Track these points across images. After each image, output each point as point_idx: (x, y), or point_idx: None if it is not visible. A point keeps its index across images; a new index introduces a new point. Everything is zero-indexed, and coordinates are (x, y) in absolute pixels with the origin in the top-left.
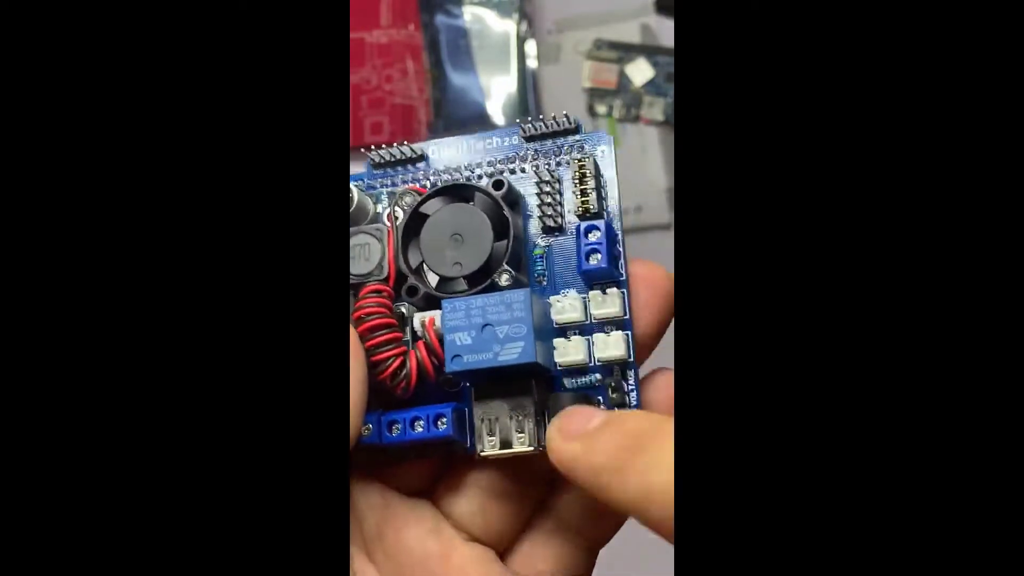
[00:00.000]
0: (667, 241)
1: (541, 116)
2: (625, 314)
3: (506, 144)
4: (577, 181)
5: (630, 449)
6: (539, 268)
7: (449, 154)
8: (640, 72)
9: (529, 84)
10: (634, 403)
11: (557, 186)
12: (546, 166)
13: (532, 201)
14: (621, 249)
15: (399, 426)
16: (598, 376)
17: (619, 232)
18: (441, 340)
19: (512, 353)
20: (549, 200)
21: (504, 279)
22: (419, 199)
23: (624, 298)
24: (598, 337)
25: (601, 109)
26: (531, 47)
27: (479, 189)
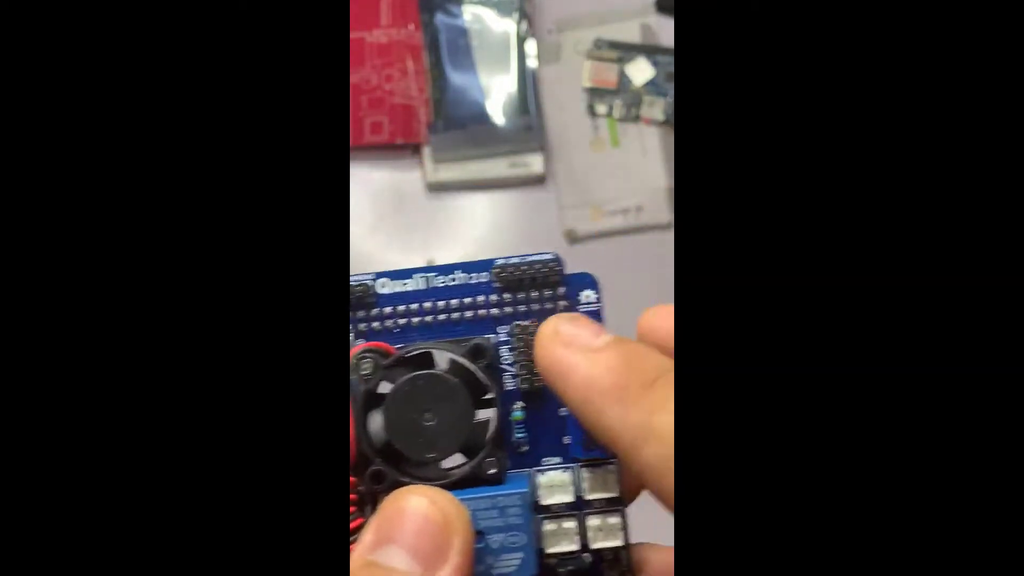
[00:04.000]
0: (667, 241)
1: (520, 257)
2: (620, 494)
3: (472, 282)
4: None
5: (641, 381)
6: (519, 434)
7: (403, 292)
8: (640, 72)
9: (529, 84)
10: None
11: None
12: (526, 325)
13: (505, 354)
14: None
15: None
16: (589, 557)
17: None
18: None
19: (509, 566)
20: (527, 361)
21: (490, 469)
22: (381, 363)
23: (618, 475)
24: (593, 523)
25: (601, 109)
26: (531, 47)
27: (456, 360)
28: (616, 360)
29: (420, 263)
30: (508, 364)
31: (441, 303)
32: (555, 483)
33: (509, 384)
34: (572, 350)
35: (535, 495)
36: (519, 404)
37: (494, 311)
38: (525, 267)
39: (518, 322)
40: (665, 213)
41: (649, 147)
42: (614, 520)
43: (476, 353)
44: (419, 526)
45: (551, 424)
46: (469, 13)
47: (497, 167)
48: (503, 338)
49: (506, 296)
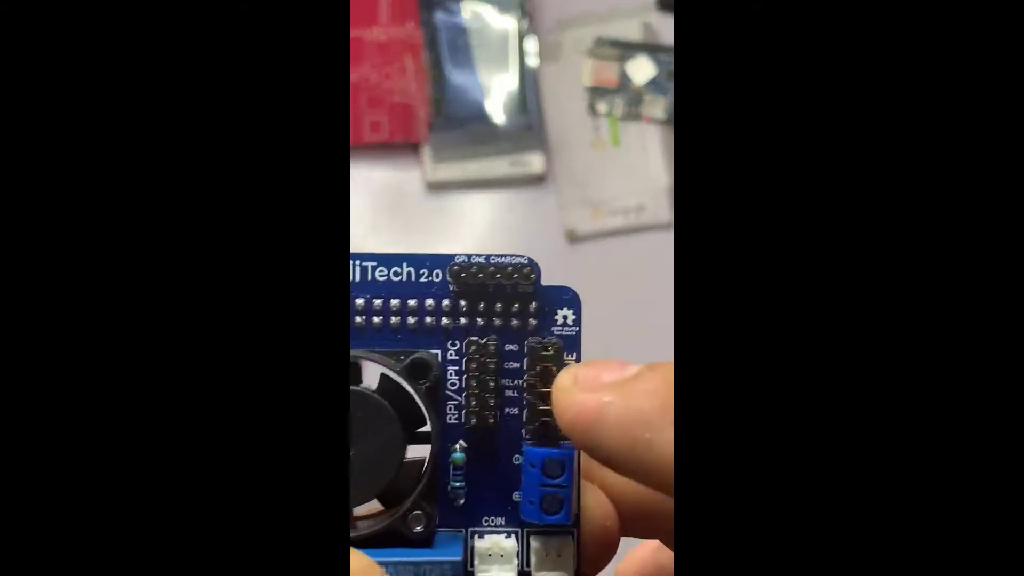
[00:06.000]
0: (667, 241)
1: (486, 257)
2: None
3: (423, 280)
4: (538, 379)
5: None
6: (457, 483)
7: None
8: (641, 70)
9: (529, 82)
10: None
11: (495, 367)
12: (483, 344)
13: (452, 377)
14: (577, 478)
15: None
16: None
17: (577, 457)
18: None
19: None
20: (479, 390)
21: (417, 526)
22: None
23: (574, 553)
24: None
25: (602, 108)
26: (531, 45)
27: (388, 376)
28: (655, 382)
29: None
30: (454, 390)
31: (378, 302)
32: (495, 551)
33: (452, 416)
34: (599, 391)
35: (469, 564)
36: (461, 443)
37: (445, 321)
38: (491, 270)
39: (473, 338)
40: (665, 213)
41: (650, 146)
42: None
43: (416, 370)
44: None
45: (500, 474)
46: (469, 11)
47: (497, 166)
48: (452, 356)
49: (463, 304)
